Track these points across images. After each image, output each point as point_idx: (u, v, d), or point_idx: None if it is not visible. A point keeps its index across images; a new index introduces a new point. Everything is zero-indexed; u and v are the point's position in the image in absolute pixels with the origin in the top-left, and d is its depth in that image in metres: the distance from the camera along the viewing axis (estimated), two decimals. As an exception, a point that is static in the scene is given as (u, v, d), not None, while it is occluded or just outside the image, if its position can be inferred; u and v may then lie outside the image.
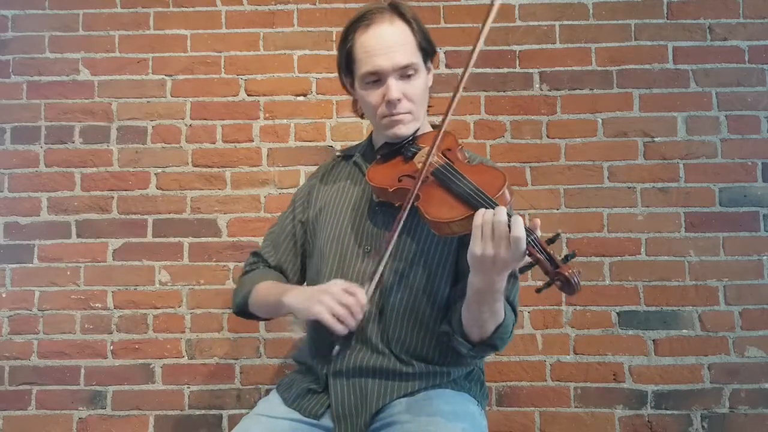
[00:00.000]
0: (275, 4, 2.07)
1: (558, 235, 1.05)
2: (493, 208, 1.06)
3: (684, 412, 1.90)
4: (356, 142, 1.54)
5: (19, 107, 2.05)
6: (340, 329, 1.13)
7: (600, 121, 2.00)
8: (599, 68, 2.02)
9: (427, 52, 1.33)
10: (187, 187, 2.03)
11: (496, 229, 1.03)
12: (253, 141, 2.04)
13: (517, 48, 2.03)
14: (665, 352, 1.92)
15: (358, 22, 1.28)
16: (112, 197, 2.03)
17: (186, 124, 2.05)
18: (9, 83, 2.06)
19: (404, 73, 1.26)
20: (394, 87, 1.25)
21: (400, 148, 1.31)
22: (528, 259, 1.04)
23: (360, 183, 1.37)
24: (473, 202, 1.11)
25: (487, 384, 1.53)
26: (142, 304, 1.99)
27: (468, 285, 1.13)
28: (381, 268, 1.18)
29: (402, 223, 1.18)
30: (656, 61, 2.01)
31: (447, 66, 2.03)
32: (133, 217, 2.02)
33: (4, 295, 2.00)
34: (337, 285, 1.17)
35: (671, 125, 1.99)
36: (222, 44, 2.06)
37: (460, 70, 2.02)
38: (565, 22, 2.03)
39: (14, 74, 2.06)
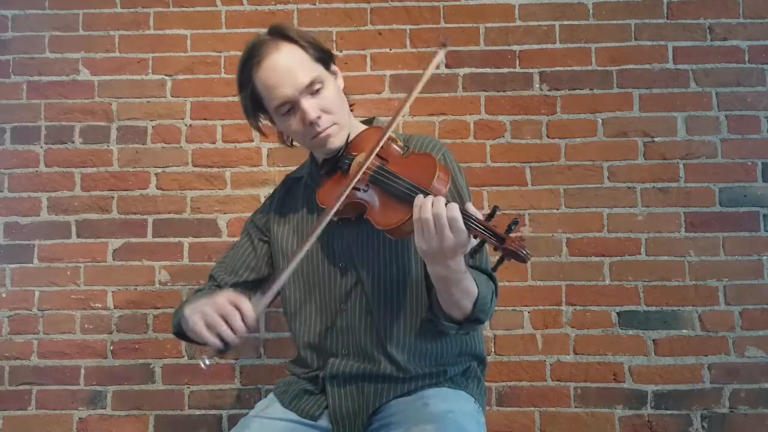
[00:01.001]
0: (275, 4, 2.07)
1: (495, 208, 1.04)
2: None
3: (684, 412, 1.90)
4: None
5: (19, 107, 2.05)
6: (212, 342, 1.07)
7: (600, 121, 2.00)
8: (599, 68, 2.01)
9: (325, 60, 1.31)
10: (187, 187, 2.03)
11: (437, 221, 1.04)
12: (253, 141, 2.04)
13: (517, 48, 2.03)
14: (665, 352, 1.92)
15: (249, 61, 1.26)
16: (112, 197, 2.03)
17: (186, 124, 2.05)
18: (9, 83, 2.06)
19: (311, 90, 1.24)
20: (309, 107, 1.23)
21: (337, 162, 1.30)
22: (475, 240, 1.05)
23: (316, 204, 1.35)
24: (413, 200, 1.10)
25: (487, 384, 1.52)
26: (142, 304, 1.99)
27: (429, 275, 1.14)
28: (283, 279, 1.16)
29: (316, 234, 1.16)
30: (656, 61, 2.01)
31: (447, 66, 2.03)
32: (133, 217, 2.02)
33: (4, 295, 2.00)
34: (222, 296, 1.11)
35: (671, 125, 1.99)
36: (222, 44, 2.06)
37: (460, 70, 2.03)
38: (565, 22, 2.03)
39: (14, 74, 2.06)
